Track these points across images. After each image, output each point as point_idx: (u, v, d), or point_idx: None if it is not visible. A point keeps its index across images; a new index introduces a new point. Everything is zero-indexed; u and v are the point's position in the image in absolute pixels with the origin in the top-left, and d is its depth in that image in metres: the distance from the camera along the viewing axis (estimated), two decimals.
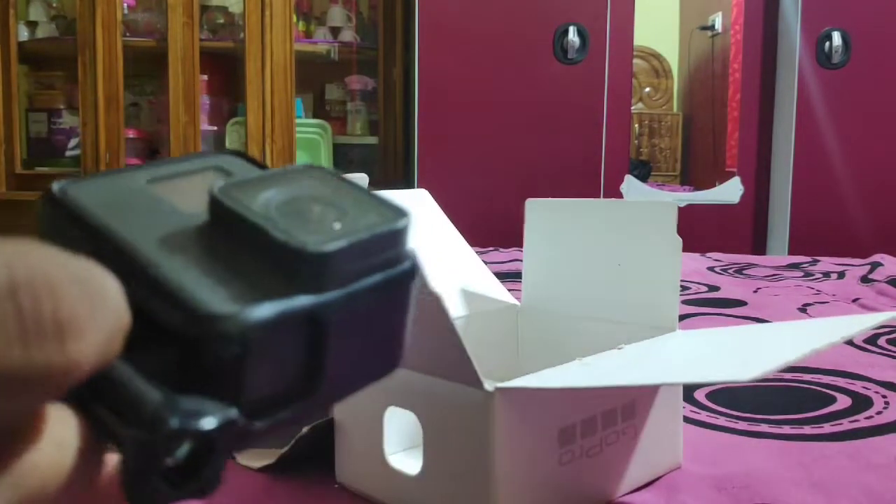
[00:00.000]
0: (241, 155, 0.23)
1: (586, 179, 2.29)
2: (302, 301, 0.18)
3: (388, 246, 0.20)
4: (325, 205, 0.20)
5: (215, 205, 0.19)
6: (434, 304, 0.34)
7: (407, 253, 0.20)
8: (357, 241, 0.19)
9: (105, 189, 0.20)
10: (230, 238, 0.19)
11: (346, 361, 0.20)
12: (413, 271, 0.20)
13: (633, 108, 2.65)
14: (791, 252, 2.25)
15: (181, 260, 0.18)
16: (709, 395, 0.60)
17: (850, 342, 0.75)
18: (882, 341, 0.76)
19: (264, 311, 0.17)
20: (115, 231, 0.19)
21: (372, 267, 0.19)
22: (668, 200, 0.48)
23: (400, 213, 0.20)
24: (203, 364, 0.17)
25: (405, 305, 0.21)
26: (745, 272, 1.24)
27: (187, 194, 0.20)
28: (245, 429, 0.18)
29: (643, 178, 2.64)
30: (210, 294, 0.17)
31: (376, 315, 0.20)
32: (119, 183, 0.20)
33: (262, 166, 0.22)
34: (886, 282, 1.10)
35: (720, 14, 2.94)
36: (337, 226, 0.19)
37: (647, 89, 3.34)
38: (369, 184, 0.61)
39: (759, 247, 2.37)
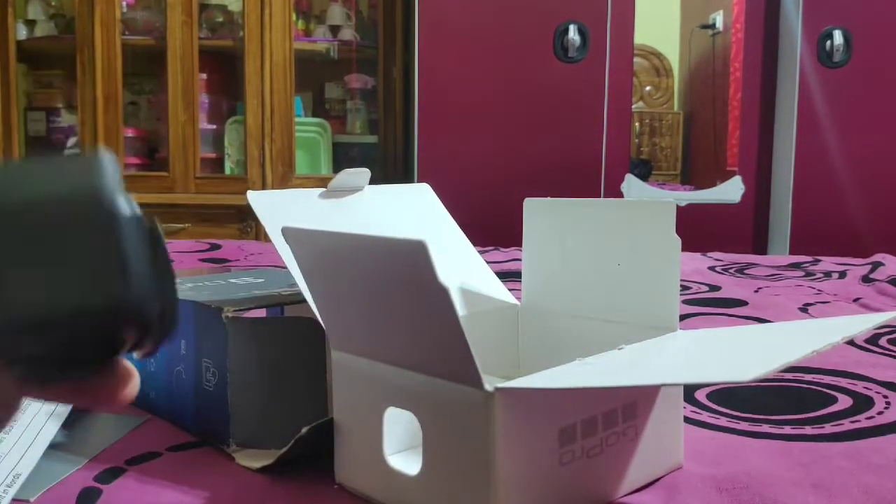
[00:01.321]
0: None
1: (586, 179, 2.29)
2: None
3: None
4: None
5: None
6: (440, 297, 0.34)
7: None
8: None
9: None
10: None
11: None
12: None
13: (633, 106, 2.64)
14: (792, 251, 2.25)
15: None
16: (709, 396, 0.60)
17: (851, 342, 0.74)
18: (883, 341, 0.76)
19: None
20: None
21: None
22: (669, 200, 0.48)
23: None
24: None
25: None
26: (745, 272, 1.24)
27: None
28: None
29: (644, 177, 2.64)
30: None
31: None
32: None
33: None
34: (888, 281, 1.10)
35: (721, 12, 2.94)
36: None
37: (648, 88, 3.34)
38: (369, 182, 0.60)
39: (760, 246, 2.37)
